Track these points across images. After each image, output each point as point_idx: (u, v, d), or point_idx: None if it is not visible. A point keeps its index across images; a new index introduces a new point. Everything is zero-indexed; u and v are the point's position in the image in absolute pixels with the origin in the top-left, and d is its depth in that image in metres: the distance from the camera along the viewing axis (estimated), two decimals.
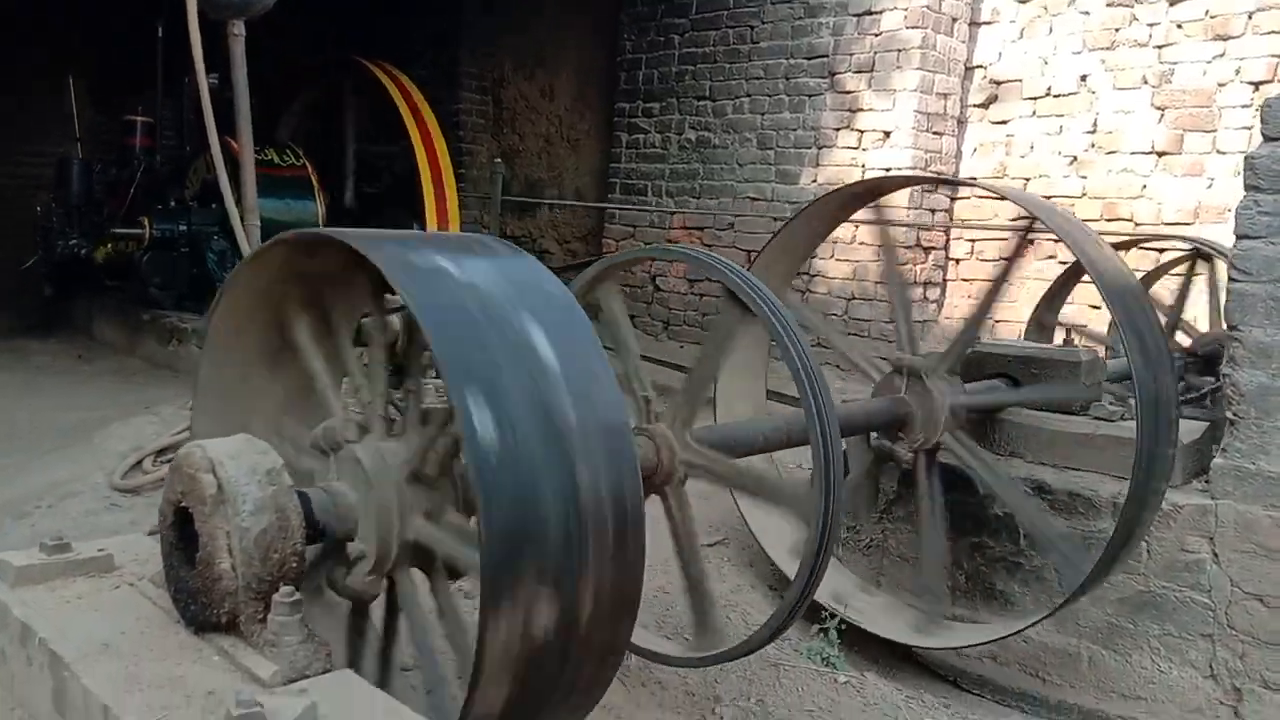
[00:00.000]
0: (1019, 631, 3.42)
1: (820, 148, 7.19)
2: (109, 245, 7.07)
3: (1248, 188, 3.30)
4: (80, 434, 4.59)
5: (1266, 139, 3.28)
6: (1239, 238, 3.33)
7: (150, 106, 7.60)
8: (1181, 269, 5.57)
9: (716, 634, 2.78)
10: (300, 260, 2.12)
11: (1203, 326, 5.41)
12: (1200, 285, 5.42)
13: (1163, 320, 5.18)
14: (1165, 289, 5.59)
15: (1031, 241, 3.65)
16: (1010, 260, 3.72)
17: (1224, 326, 3.68)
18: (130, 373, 6.18)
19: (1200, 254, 5.43)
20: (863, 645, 3.67)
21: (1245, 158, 3.34)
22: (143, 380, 5.89)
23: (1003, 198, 3.37)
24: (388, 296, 2.11)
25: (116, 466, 4.12)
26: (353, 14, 8.87)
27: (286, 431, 2.25)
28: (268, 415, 2.31)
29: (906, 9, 6.65)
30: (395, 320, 2.29)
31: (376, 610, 2.12)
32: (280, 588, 1.72)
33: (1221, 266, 5.07)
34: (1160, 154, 6.28)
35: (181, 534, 1.79)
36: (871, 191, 3.84)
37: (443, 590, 2.01)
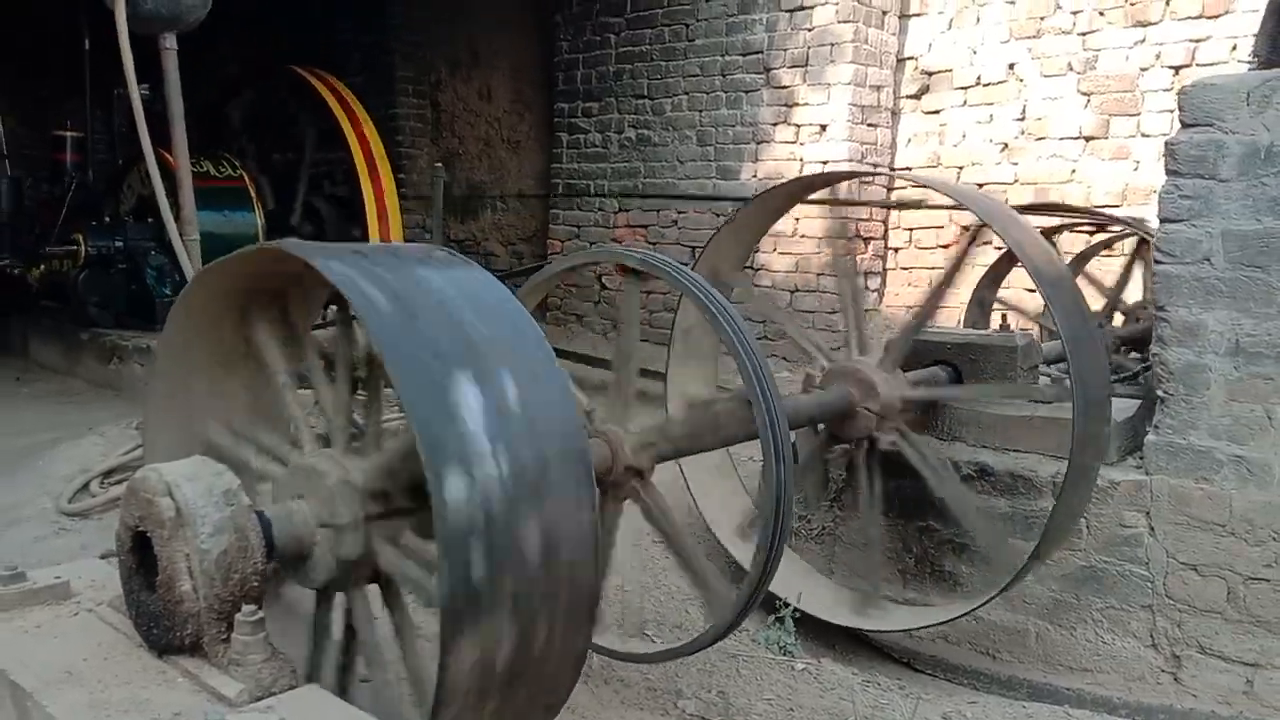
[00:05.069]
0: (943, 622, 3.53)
1: (759, 143, 7.28)
2: (43, 264, 6.95)
3: (1169, 173, 3.41)
4: (23, 458, 4.53)
5: (1184, 125, 3.39)
6: (1163, 220, 3.44)
7: (80, 120, 7.47)
8: (1114, 250, 5.73)
9: (725, 599, 2.80)
10: (264, 265, 2.13)
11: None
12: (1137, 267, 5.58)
13: (1101, 302, 5.37)
14: (1105, 270, 5.75)
15: (975, 240, 3.70)
16: (958, 261, 3.75)
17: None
18: (71, 394, 6.09)
19: (1139, 236, 5.56)
20: (818, 631, 3.74)
21: (1165, 143, 3.45)
22: (85, 401, 5.81)
23: (950, 199, 3.45)
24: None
25: (63, 490, 4.07)
26: (286, 23, 8.78)
27: (243, 431, 2.24)
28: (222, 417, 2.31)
29: (837, 4, 6.74)
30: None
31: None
32: (243, 607, 1.74)
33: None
34: (1088, 139, 6.45)
35: (141, 558, 1.80)
36: (813, 186, 3.92)
37: (398, 608, 2.03)
